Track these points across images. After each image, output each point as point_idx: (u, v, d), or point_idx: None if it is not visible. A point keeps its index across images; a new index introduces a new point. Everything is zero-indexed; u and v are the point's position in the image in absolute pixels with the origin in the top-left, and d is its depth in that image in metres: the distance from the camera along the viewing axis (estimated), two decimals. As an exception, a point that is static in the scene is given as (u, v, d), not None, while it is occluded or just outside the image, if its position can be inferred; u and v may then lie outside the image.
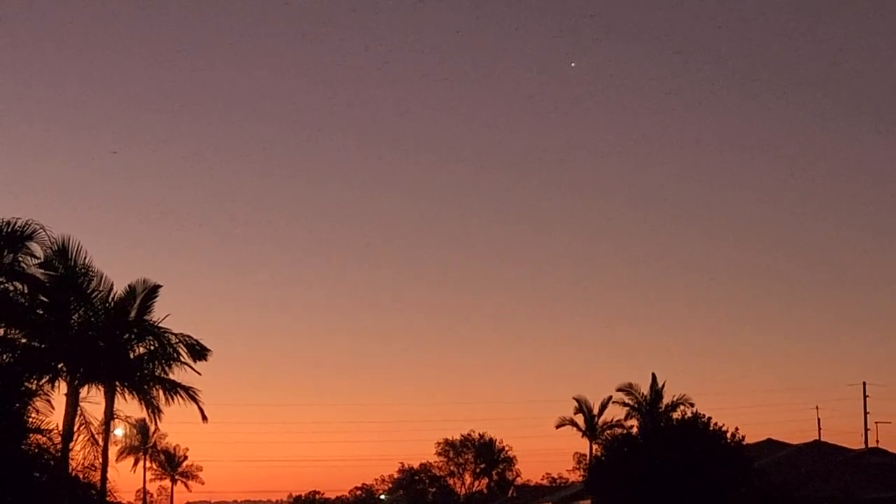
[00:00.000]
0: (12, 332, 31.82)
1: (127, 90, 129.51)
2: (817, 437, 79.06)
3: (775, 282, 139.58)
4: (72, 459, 33.76)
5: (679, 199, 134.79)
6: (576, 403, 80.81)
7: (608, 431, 72.52)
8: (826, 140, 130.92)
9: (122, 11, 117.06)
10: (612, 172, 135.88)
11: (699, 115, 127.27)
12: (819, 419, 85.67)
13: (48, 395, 33.28)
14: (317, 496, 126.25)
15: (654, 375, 65.12)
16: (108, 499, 37.12)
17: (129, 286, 35.53)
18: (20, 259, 29.56)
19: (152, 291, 35.73)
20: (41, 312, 33.36)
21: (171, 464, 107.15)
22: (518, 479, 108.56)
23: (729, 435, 44.85)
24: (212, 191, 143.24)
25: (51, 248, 32.12)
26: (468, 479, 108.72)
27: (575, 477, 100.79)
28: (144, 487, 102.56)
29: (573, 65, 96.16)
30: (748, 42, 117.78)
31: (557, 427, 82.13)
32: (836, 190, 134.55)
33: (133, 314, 35.49)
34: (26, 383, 30.20)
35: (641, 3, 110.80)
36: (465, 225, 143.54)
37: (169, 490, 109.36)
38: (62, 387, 33.91)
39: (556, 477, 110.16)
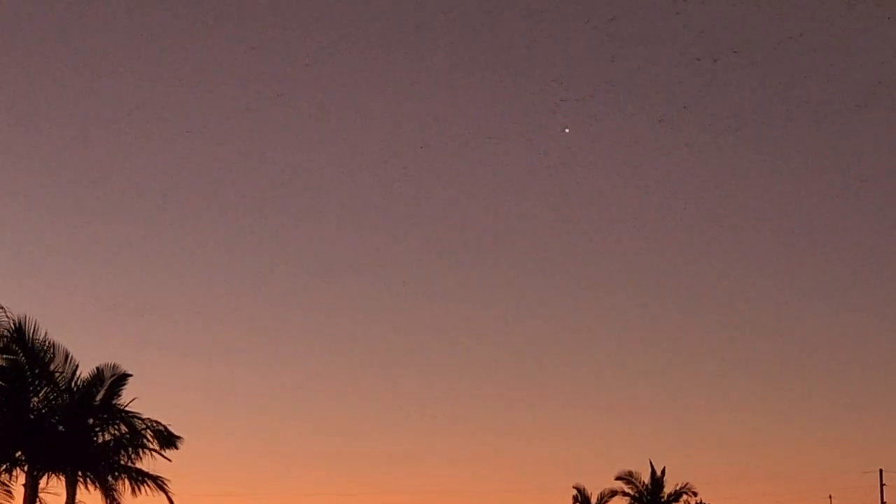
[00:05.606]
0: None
1: (92, 162, 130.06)
2: (832, 529, 79.50)
3: (783, 365, 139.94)
4: (29, 556, 33.54)
5: (683, 282, 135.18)
6: (574, 492, 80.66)
7: (608, 523, 72.50)
8: (841, 228, 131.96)
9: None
10: (606, 256, 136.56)
11: (709, 191, 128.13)
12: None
13: (7, 485, 33.48)
14: None
15: (651, 463, 66.39)
16: None
17: (97, 369, 35.50)
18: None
19: (121, 378, 35.71)
20: (-1, 398, 33.38)
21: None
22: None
23: (736, 526, 45.39)
24: (181, 275, 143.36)
25: (7, 331, 32.34)
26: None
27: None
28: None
29: (567, 130, 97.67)
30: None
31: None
32: (846, 274, 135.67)
33: (99, 398, 35.42)
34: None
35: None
36: (451, 307, 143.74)
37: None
38: (20, 477, 33.81)
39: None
